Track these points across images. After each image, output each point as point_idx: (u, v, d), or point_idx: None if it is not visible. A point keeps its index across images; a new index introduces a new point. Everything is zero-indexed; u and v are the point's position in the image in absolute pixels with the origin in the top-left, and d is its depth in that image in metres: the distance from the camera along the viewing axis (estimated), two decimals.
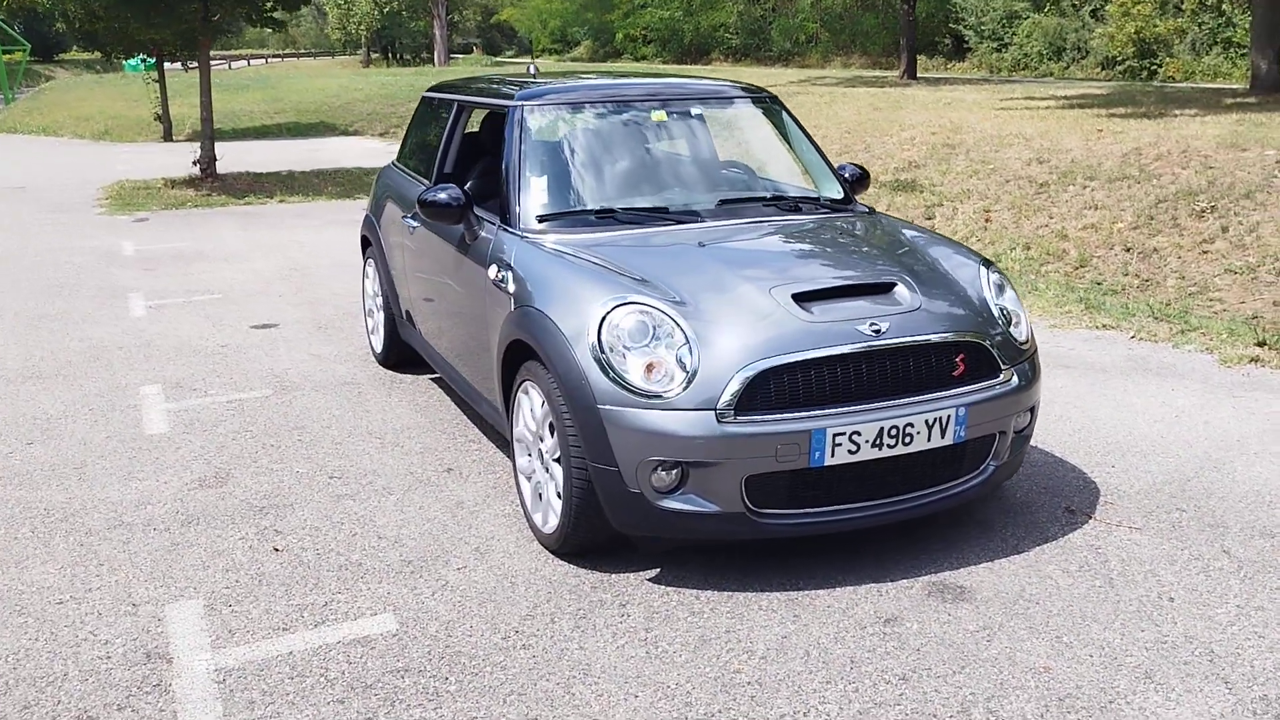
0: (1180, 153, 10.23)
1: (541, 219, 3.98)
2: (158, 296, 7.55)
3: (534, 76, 5.27)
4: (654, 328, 3.27)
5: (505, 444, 4.56)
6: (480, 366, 4.21)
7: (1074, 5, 29.16)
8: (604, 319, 3.29)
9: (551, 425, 3.50)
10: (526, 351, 3.64)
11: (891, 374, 3.33)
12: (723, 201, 4.21)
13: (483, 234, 4.11)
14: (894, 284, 3.54)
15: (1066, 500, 3.98)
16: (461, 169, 4.95)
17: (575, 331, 3.34)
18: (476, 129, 5.13)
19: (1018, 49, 29.98)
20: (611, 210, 4.05)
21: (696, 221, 3.98)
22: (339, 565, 3.58)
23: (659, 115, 4.39)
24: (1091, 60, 28.00)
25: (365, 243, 5.90)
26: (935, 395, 3.37)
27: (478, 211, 4.22)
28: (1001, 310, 3.66)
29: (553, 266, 3.65)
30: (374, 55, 60.77)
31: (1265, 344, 5.84)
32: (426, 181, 5.01)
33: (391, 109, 23.73)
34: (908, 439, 3.30)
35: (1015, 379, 3.55)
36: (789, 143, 4.58)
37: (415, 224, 4.85)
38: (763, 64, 36.79)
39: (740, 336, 3.26)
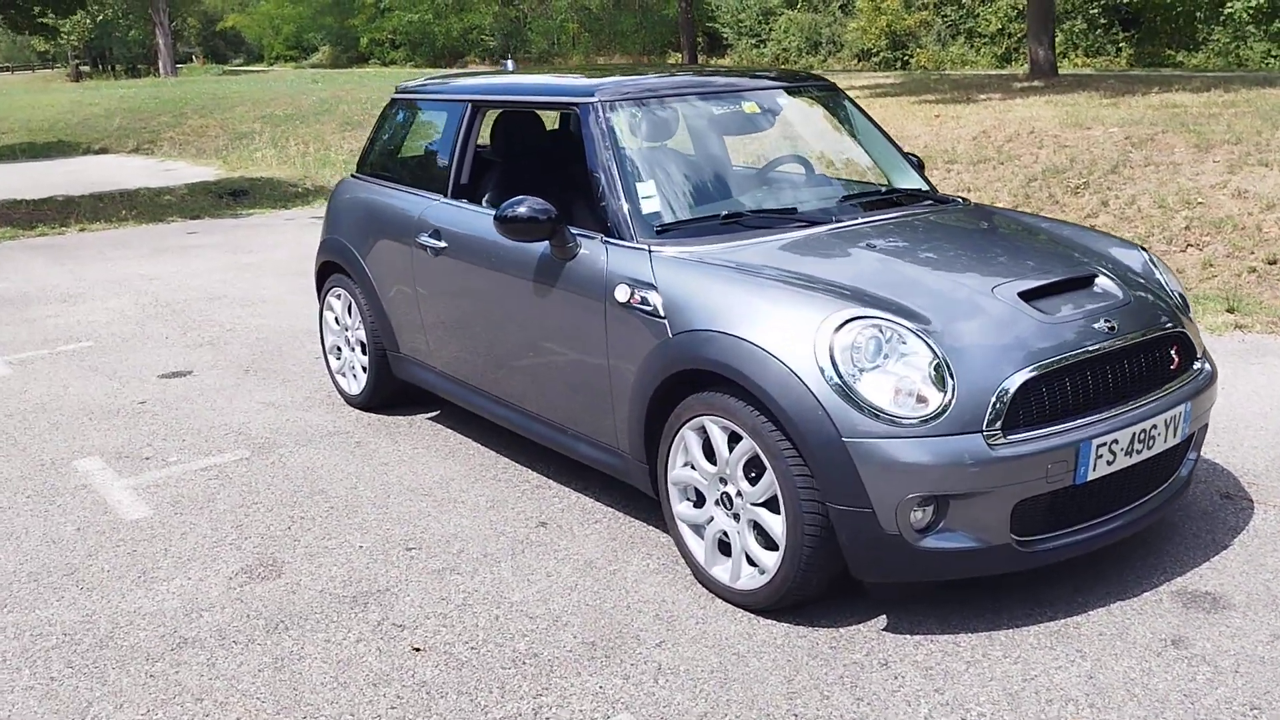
0: (1028, 134, 10.65)
1: (662, 229, 3.46)
2: (11, 350, 6.33)
3: (510, 74, 4.73)
4: (890, 344, 2.85)
5: (598, 488, 4.00)
6: (580, 403, 3.63)
7: (824, 1, 30.42)
8: (834, 338, 2.84)
9: (750, 466, 3.02)
10: (700, 383, 3.13)
11: (1131, 374, 3.06)
12: (845, 198, 3.82)
13: (584, 251, 3.53)
14: (1095, 275, 3.27)
15: (1210, 485, 3.85)
16: (477, 178, 4.32)
17: (796, 355, 2.86)
18: (497, 132, 4.48)
19: (776, 44, 30.94)
20: (738, 214, 3.58)
21: (832, 222, 3.57)
22: (511, 659, 2.95)
23: (751, 107, 3.94)
24: (847, 53, 29.28)
25: (327, 272, 5.09)
26: (1167, 392, 3.13)
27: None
28: (1179, 295, 3.48)
29: (727, 282, 3.14)
30: (83, 68, 55.85)
31: (1234, 309, 6.04)
32: (434, 196, 4.34)
33: (142, 123, 21.66)
34: (1151, 441, 3.05)
35: (1208, 366, 3.37)
36: (862, 132, 4.24)
37: (440, 244, 4.17)
38: (523, 65, 36.32)
39: (990, 345, 2.89)
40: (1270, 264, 7.27)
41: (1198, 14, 22.03)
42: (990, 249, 3.50)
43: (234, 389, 5.45)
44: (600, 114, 3.67)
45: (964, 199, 4.03)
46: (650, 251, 3.35)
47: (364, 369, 4.93)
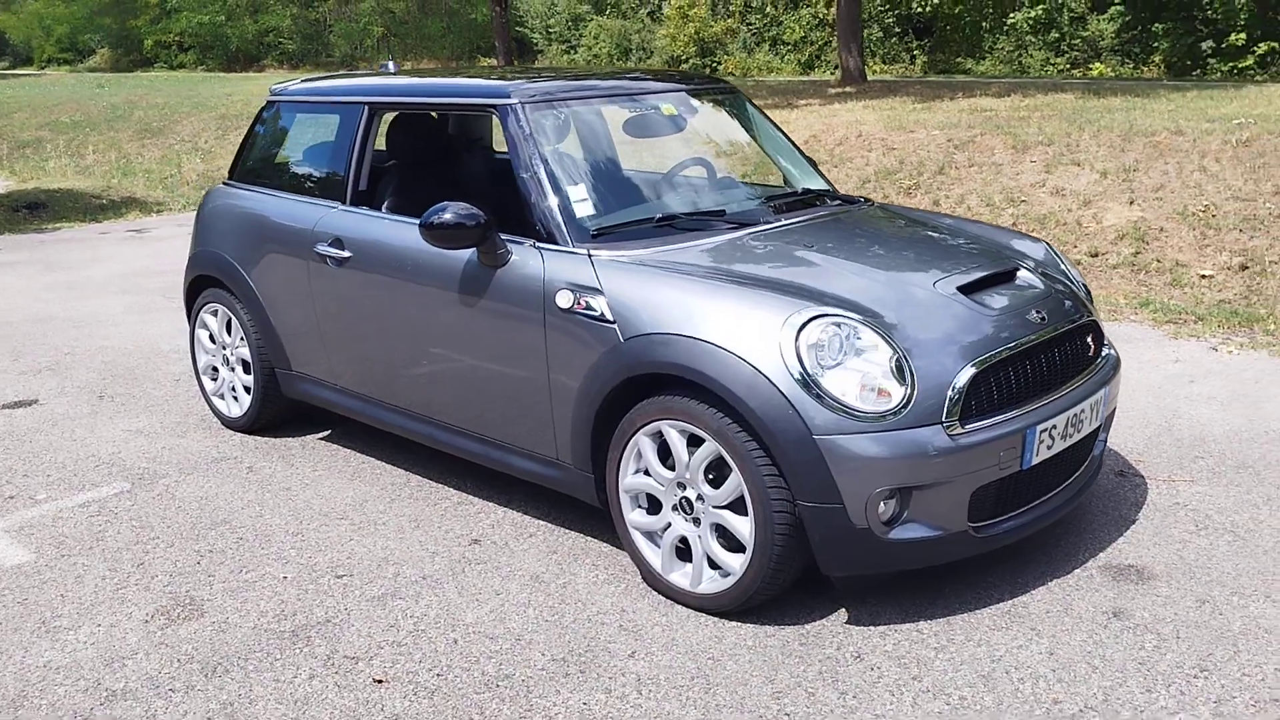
0: (856, 137, 11.09)
1: (598, 233, 3.41)
2: None
3: (393, 74, 4.59)
4: (850, 340, 2.90)
5: (524, 501, 3.91)
6: (513, 414, 3.54)
7: (633, 7, 30.81)
8: (799, 336, 2.87)
9: (712, 469, 3.02)
10: (654, 387, 3.10)
11: (1060, 362, 3.22)
12: (766, 199, 3.86)
13: (515, 258, 3.44)
14: (1017, 269, 3.43)
15: (1105, 466, 4.10)
16: (374, 183, 4.15)
17: (761, 354, 2.88)
18: (400, 134, 4.31)
19: (586, 50, 31.11)
20: (672, 217, 3.57)
21: (760, 223, 3.61)
22: (483, 683, 2.84)
23: (669, 109, 3.93)
24: (657, 60, 29.73)
25: (200, 287, 4.78)
26: (1089, 378, 3.31)
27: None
28: (1083, 286, 3.69)
29: (678, 285, 3.12)
30: None
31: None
32: (330, 203, 4.14)
33: None
34: (1080, 425, 3.22)
35: (1114, 352, 3.59)
36: (766, 134, 4.30)
37: (342, 253, 3.98)
38: (327, 69, 35.16)
39: (940, 339, 2.99)
40: (1093, 256, 7.82)
41: (984, 24, 23.48)
42: (916, 246, 3.62)
43: (91, 417, 5.04)
44: (521, 115, 3.58)
45: (867, 199, 4.15)
46: (591, 256, 3.30)
47: (247, 389, 4.66)
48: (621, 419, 3.21)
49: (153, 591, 3.39)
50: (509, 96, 3.63)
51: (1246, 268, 7.27)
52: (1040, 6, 22.06)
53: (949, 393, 2.89)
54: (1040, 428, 3.03)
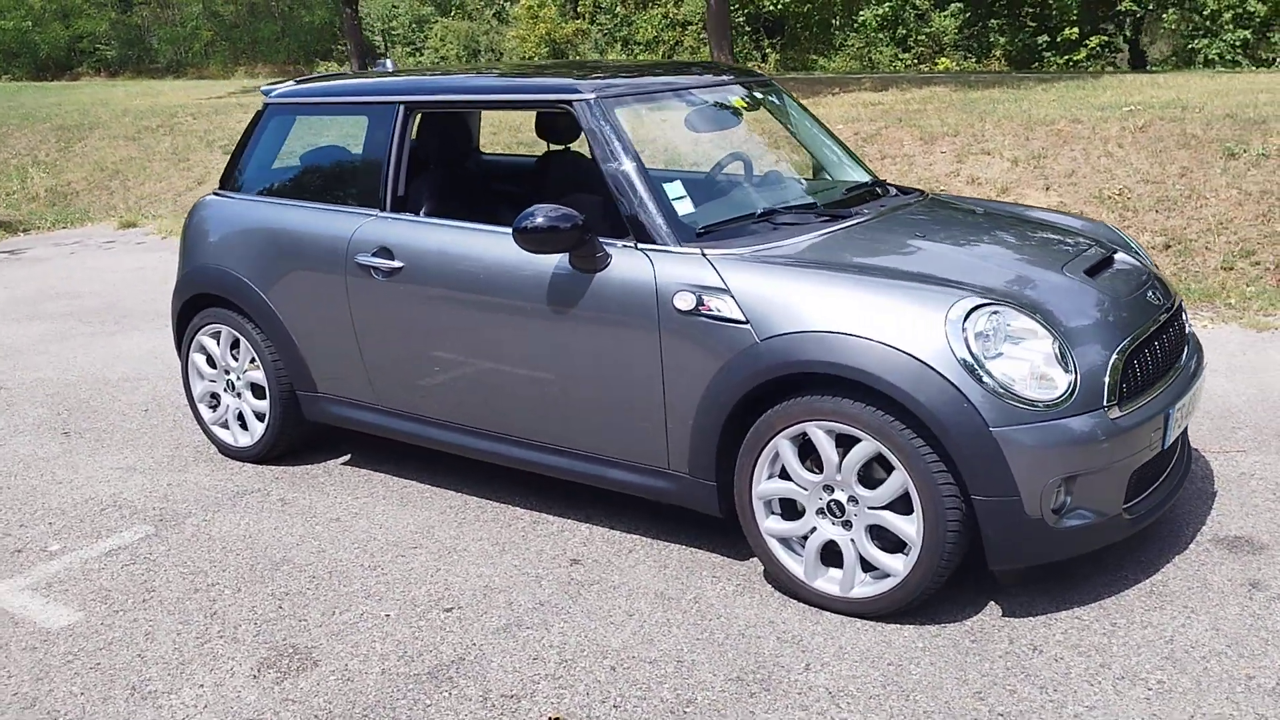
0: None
1: (703, 232, 3.27)
2: None
3: (392, 73, 4.35)
4: (1011, 329, 2.86)
5: (601, 515, 3.73)
6: (616, 425, 3.36)
7: (478, 9, 30.37)
8: (965, 327, 2.81)
9: (866, 470, 2.93)
10: (793, 388, 2.99)
11: (1174, 342, 3.27)
12: (849, 191, 3.79)
13: (618, 260, 3.27)
14: (1115, 251, 3.47)
15: None
16: (413, 187, 3.89)
17: (927, 348, 2.80)
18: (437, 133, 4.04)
19: (433, 52, 30.48)
20: (771, 212, 3.46)
21: (852, 216, 3.54)
22: (669, 710, 2.68)
23: (740, 102, 3.81)
24: (506, 62, 29.41)
25: (197, 307, 4.38)
26: (1194, 356, 3.38)
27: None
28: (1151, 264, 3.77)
29: (816, 280, 3.01)
30: None
31: None
32: (366, 210, 3.86)
33: None
34: (1195, 403, 3.28)
35: (1192, 330, 3.67)
36: (816, 127, 4.22)
37: (392, 264, 3.71)
38: (150, 77, 33.21)
39: (1089, 323, 2.98)
40: None
41: (834, 21, 24.15)
42: (1014, 233, 3.61)
43: (67, 456, 4.57)
44: (602, 110, 3.41)
45: (920, 190, 4.13)
46: (707, 255, 3.16)
47: (259, 415, 4.30)
48: (753, 423, 3.09)
49: (243, 643, 3.07)
50: (586, 91, 3.45)
51: (1170, 246, 7.65)
52: (887, 4, 22.82)
53: (1105, 377, 2.89)
54: (1174, 406, 3.07)
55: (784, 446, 3.04)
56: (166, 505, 4.03)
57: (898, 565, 2.94)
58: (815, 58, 24.48)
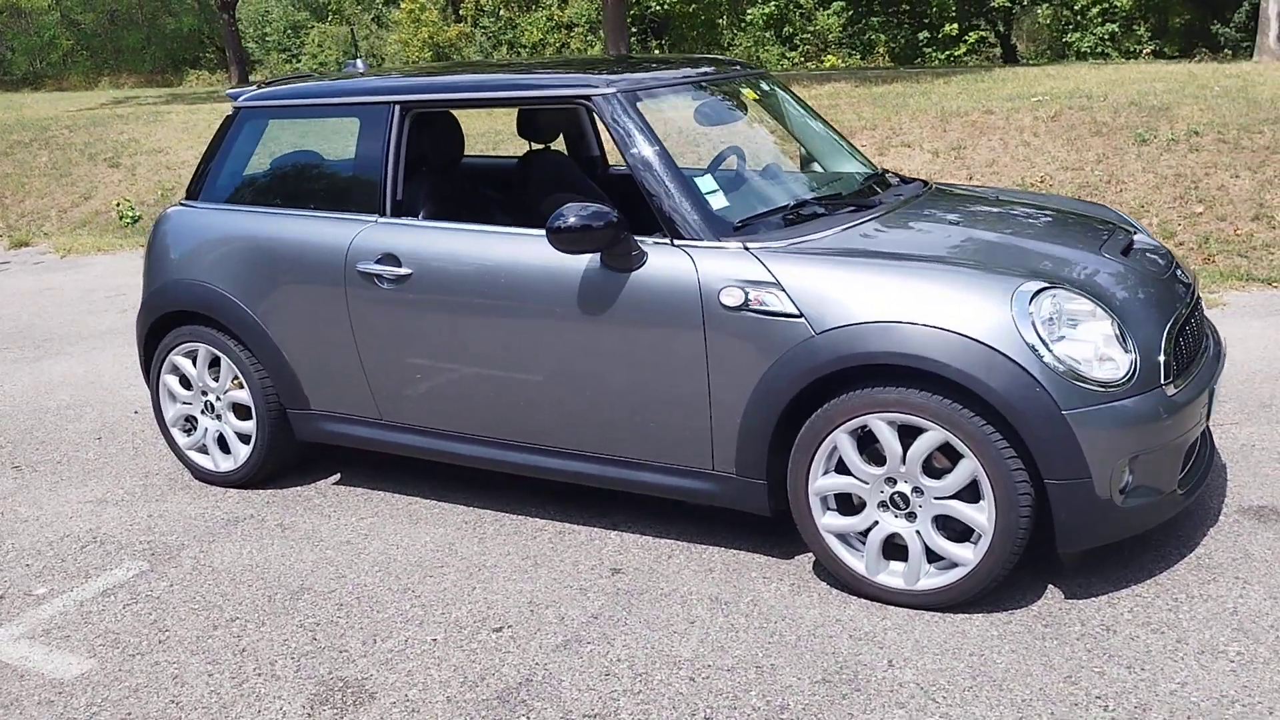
0: (677, 133, 11.15)
1: (740, 226, 3.20)
2: None
3: (362, 74, 4.18)
4: (1073, 312, 2.87)
5: (628, 519, 3.62)
6: (656, 428, 3.26)
7: (356, 13, 29.72)
8: (1031, 311, 2.80)
9: (933, 460, 2.90)
10: (849, 381, 2.93)
11: (1201, 320, 3.33)
12: (863, 181, 3.75)
13: (655, 258, 3.17)
14: (1135, 233, 3.52)
15: None
16: (409, 190, 3.72)
17: (995, 333, 2.78)
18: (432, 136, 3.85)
19: (311, 57, 29.72)
20: (801, 203, 3.40)
21: (880, 205, 3.51)
22: (762, 718, 2.59)
23: (751, 94, 3.74)
24: (389, 66, 28.84)
25: (163, 327, 4.10)
26: (1214, 335, 3.45)
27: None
28: None
29: (871, 270, 2.96)
30: None
31: None
32: (364, 216, 3.68)
33: None
34: (1220, 377, 3.35)
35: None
36: (812, 120, 4.18)
37: (399, 270, 3.53)
38: (5, 89, 31.53)
39: (1136, 304, 3.01)
40: None
41: (720, 21, 24.37)
42: (1041, 218, 3.63)
43: (24, 492, 4.24)
44: (624, 106, 3.31)
45: (923, 180, 4.13)
46: (750, 249, 3.09)
47: (243, 437, 4.06)
48: (805, 418, 3.03)
49: (286, 680, 2.87)
50: (605, 86, 3.34)
51: None
52: (773, 3, 23.14)
53: (1160, 356, 2.92)
54: (1214, 381, 3.13)
55: (843, 440, 2.99)
56: (153, 538, 3.76)
57: (968, 554, 2.91)
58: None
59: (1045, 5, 21.50)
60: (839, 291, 2.95)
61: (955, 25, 21.60)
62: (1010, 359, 2.76)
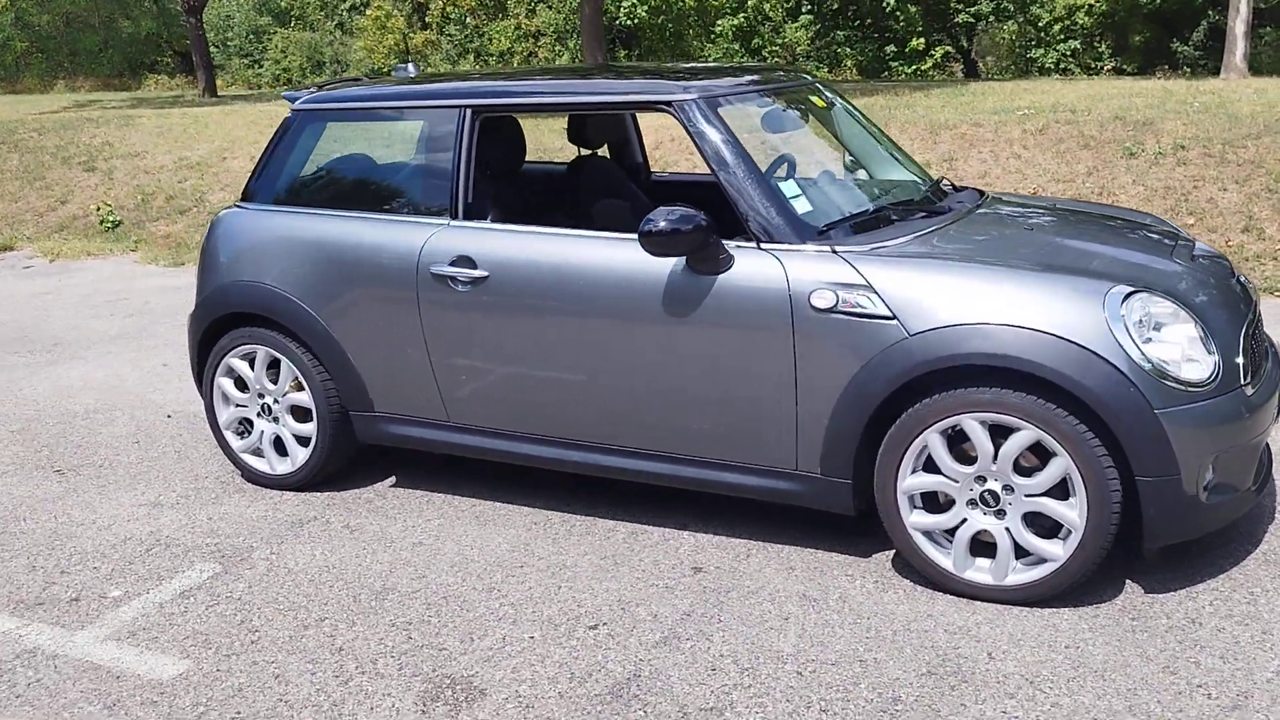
0: (670, 140, 11.24)
1: (825, 230, 3.27)
2: None
3: (413, 78, 4.21)
4: (1160, 314, 2.97)
5: (698, 519, 3.67)
6: (739, 429, 3.31)
7: (319, 19, 29.50)
8: (1123, 313, 2.90)
9: (1022, 459, 2.98)
10: (938, 382, 3.01)
11: (1261, 324, 3.45)
12: (928, 188, 3.84)
13: (742, 261, 3.23)
14: (1195, 241, 3.64)
15: None
16: (477, 194, 3.75)
17: (1089, 334, 2.87)
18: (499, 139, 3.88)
19: (274, 63, 29.44)
20: (878, 209, 3.48)
21: (949, 212, 3.60)
22: (876, 709, 2.65)
23: (822, 102, 3.81)
24: (355, 71, 28.66)
25: (218, 329, 4.08)
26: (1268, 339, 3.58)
27: None
28: None
29: (962, 273, 3.04)
30: None
31: None
32: (434, 219, 3.70)
33: None
34: None
35: None
36: (870, 127, 4.26)
37: (475, 273, 3.56)
38: None
39: (1213, 306, 3.12)
40: None
41: (689, 32, 24.54)
42: (1102, 224, 3.74)
43: (72, 495, 4.19)
44: (706, 111, 3.37)
45: (979, 190, 4.22)
46: (839, 252, 3.16)
47: (301, 440, 4.05)
48: (891, 418, 3.10)
49: (390, 678, 2.88)
50: (688, 92, 3.40)
51: None
52: (741, 14, 23.35)
53: (1238, 357, 3.03)
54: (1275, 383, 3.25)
55: (934, 440, 3.06)
56: (219, 540, 3.74)
57: (1058, 550, 3.00)
58: None
59: (1010, 22, 21.93)
60: (932, 294, 3.03)
61: (921, 40, 21.93)
62: (1105, 360, 2.86)
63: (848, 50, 23.82)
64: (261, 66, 29.80)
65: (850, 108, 4.21)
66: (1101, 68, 21.40)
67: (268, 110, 16.97)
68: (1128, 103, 10.71)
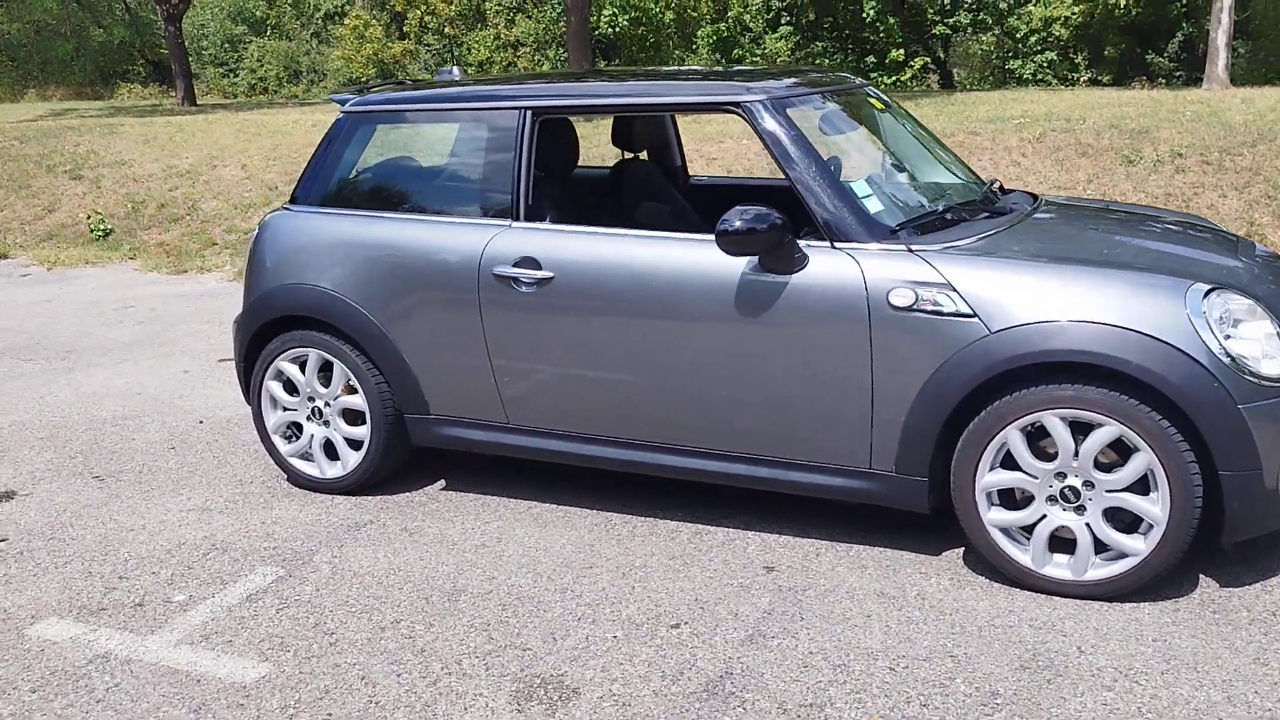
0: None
1: (896, 229, 3.29)
2: None
3: (458, 80, 4.21)
4: (1237, 311, 3.01)
5: (766, 519, 3.67)
6: (813, 428, 3.31)
7: (295, 29, 29.34)
8: (1205, 310, 2.93)
9: (1103, 456, 3.01)
10: (1017, 379, 3.03)
11: None
12: (984, 189, 3.87)
13: (816, 261, 3.24)
14: (1239, 238, 3.69)
15: None
16: (537, 195, 3.74)
17: (1172, 331, 2.90)
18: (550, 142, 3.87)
19: (250, 73, 29.24)
20: (946, 209, 3.50)
21: (1011, 212, 3.63)
22: (974, 703, 2.66)
23: (878, 104, 3.83)
24: (332, 81, 28.51)
25: (268, 332, 4.04)
26: None
27: None
28: None
29: (1040, 272, 3.06)
30: None
31: None
32: (495, 221, 3.69)
33: None
34: None
35: None
36: (922, 130, 4.28)
37: (540, 274, 3.55)
38: None
39: (1275, 300, 3.17)
40: None
41: (668, 44, 24.63)
42: (1161, 224, 3.78)
43: (116, 501, 4.13)
44: (776, 114, 3.38)
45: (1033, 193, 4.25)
46: (915, 251, 3.18)
47: (353, 443, 4.01)
48: (970, 415, 3.12)
49: (478, 678, 2.86)
50: (756, 94, 3.41)
51: None
52: (721, 24, 23.47)
53: None
54: None
55: (1014, 437, 3.08)
56: (277, 544, 3.70)
57: (1139, 545, 3.02)
58: None
59: (988, 33, 22.18)
60: (1012, 292, 3.05)
61: (901, 51, 22.12)
62: (1188, 355, 2.89)
63: (827, 61, 23.98)
64: (237, 75, 29.59)
65: (902, 112, 4.24)
66: (1078, 79, 21.68)
67: (251, 119, 16.85)
68: (1119, 112, 10.86)
